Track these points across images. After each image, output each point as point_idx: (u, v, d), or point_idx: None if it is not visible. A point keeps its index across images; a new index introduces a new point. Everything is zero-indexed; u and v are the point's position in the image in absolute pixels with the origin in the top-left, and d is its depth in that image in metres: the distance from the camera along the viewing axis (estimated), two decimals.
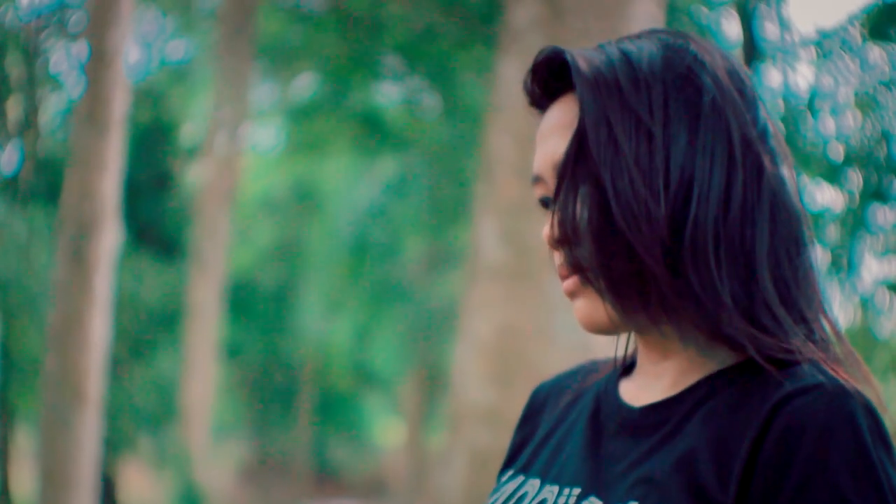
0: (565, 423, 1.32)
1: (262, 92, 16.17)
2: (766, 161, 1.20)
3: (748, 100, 1.22)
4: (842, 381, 1.13)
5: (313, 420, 22.14)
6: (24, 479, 12.74)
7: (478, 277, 4.24)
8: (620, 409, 1.26)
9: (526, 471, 1.31)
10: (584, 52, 1.23)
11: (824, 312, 1.22)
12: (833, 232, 7.04)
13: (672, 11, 7.47)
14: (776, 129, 1.24)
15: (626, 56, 1.21)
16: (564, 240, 1.21)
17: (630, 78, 1.20)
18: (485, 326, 4.18)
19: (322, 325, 20.10)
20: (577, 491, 1.21)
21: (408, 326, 18.60)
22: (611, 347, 1.35)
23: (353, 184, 18.29)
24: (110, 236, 7.12)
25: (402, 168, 16.68)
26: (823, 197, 7.20)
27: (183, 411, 12.34)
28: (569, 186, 1.20)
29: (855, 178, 7.05)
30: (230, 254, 14.27)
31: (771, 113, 1.25)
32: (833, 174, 7.03)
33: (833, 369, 1.15)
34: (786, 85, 7.39)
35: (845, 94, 7.09)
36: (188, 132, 15.53)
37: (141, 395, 12.56)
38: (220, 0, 13.76)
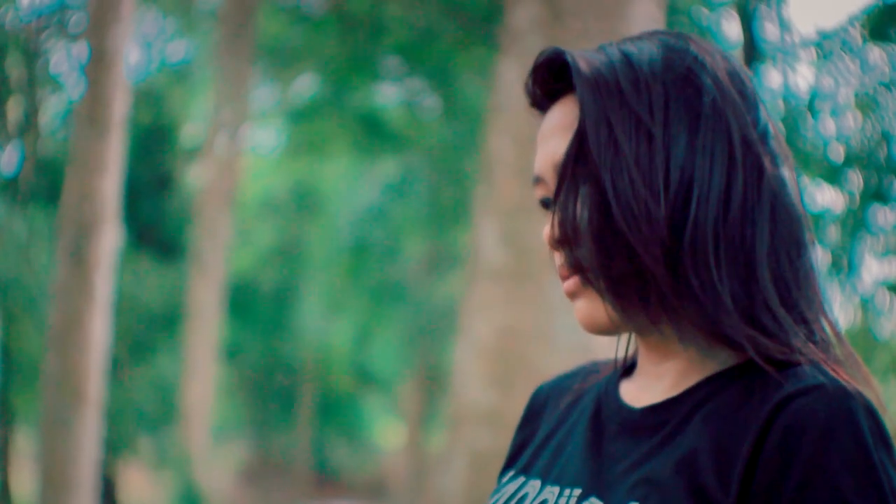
0: (566, 424, 1.32)
1: (263, 93, 16.18)
2: (767, 162, 1.20)
3: (749, 101, 1.22)
4: (842, 382, 1.13)
5: (313, 421, 22.14)
6: (24, 479, 12.73)
7: (478, 278, 4.24)
8: (621, 409, 1.26)
9: (527, 472, 1.31)
10: (584, 54, 1.23)
11: (825, 313, 1.22)
12: (833, 233, 7.04)
13: (672, 12, 7.47)
14: (777, 130, 1.24)
15: (626, 57, 1.22)
16: (565, 240, 1.21)
17: (630, 79, 1.20)
18: (485, 327, 4.18)
19: (322, 326, 20.10)
20: (577, 492, 1.21)
21: (408, 327, 18.60)
22: (611, 348, 1.35)
23: (353, 185, 18.30)
24: (110, 237, 7.12)
25: (402, 169, 16.69)
26: (824, 198, 7.20)
27: (183, 412, 12.34)
28: (569, 187, 1.20)
29: (855, 178, 7.05)
30: (230, 255, 14.27)
31: (771, 114, 1.25)
32: (833, 175, 7.03)
33: (834, 370, 1.15)
34: (786, 86, 7.39)
35: (845, 94, 7.09)
36: (188, 133, 15.53)
37: (141, 395, 12.55)
38: (221, 1, 13.76)
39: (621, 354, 1.34)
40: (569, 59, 1.23)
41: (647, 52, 1.22)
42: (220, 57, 13.36)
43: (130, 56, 7.97)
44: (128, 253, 11.37)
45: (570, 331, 4.00)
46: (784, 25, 7.53)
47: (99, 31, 7.12)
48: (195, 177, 14.62)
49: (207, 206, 12.77)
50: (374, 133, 14.67)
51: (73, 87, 11.58)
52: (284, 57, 14.23)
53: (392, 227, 17.69)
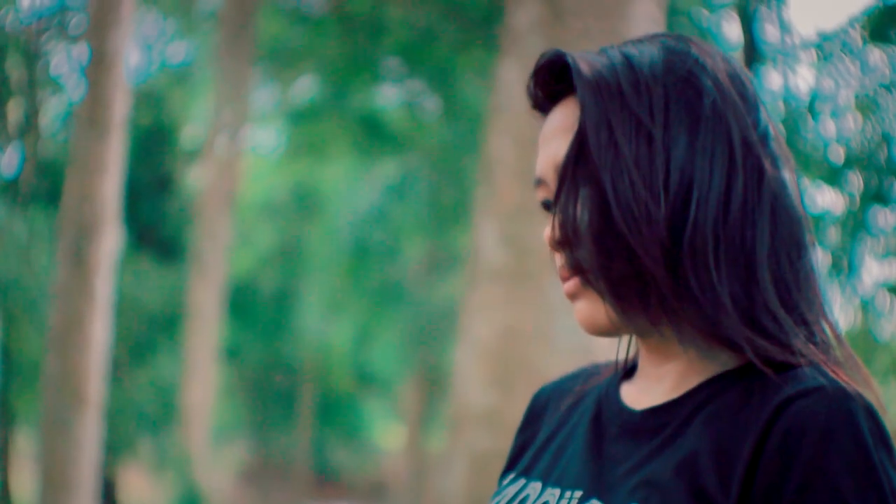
0: (567, 426, 1.32)
1: (263, 94, 16.18)
2: (767, 164, 1.20)
3: (749, 103, 1.22)
4: (843, 384, 1.13)
5: (313, 422, 22.13)
6: (24, 481, 12.73)
7: (478, 280, 4.24)
8: (622, 412, 1.26)
9: (527, 474, 1.31)
10: (585, 56, 1.23)
11: (825, 315, 1.22)
12: (833, 234, 7.03)
13: (672, 13, 7.47)
14: (777, 131, 1.24)
15: (627, 59, 1.22)
16: (565, 241, 1.21)
17: (631, 81, 1.20)
18: (485, 329, 4.18)
19: (322, 327, 20.10)
20: (578, 494, 1.21)
21: (408, 329, 18.60)
22: (612, 350, 1.35)
23: (353, 186, 18.29)
24: (111, 239, 7.13)
25: (402, 170, 16.69)
26: (824, 199, 7.19)
27: (183, 413, 12.34)
28: (569, 188, 1.20)
29: (855, 180, 7.05)
30: (230, 256, 14.27)
31: (772, 116, 1.25)
32: (833, 176, 7.03)
33: (834, 371, 1.15)
34: (786, 87, 7.39)
35: (846, 96, 7.09)
36: (189, 135, 15.53)
37: (141, 397, 12.56)
38: (221, 2, 13.76)
39: (622, 356, 1.34)
40: (570, 60, 1.23)
41: (648, 54, 1.22)
42: (220, 58, 13.36)
43: (131, 57, 7.97)
44: (128, 254, 11.38)
45: (570, 332, 4.00)
46: (784, 27, 7.53)
47: (99, 33, 7.13)
48: (195, 178, 14.62)
49: (208, 208, 12.77)
50: (374, 134, 14.67)
51: (74, 88, 11.60)
52: (285, 58, 14.23)
53: (392, 228, 17.70)
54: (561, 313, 4.03)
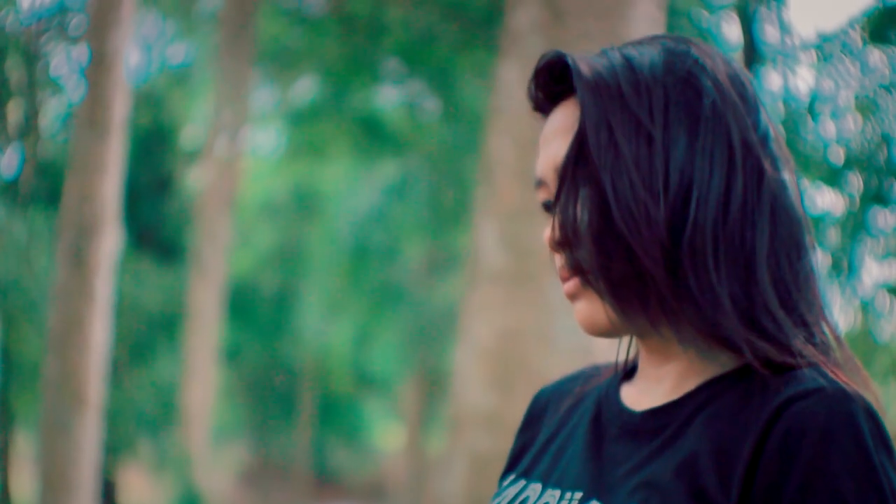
0: (567, 428, 1.32)
1: (263, 95, 16.18)
2: (767, 165, 1.20)
3: (749, 104, 1.22)
4: (843, 385, 1.13)
5: (313, 423, 22.13)
6: (24, 482, 12.74)
7: (478, 281, 4.24)
8: (622, 413, 1.26)
9: (527, 475, 1.31)
10: (586, 57, 1.24)
11: (824, 316, 1.22)
12: (833, 235, 7.03)
13: (672, 14, 7.47)
14: (777, 133, 1.24)
15: (627, 60, 1.22)
16: (565, 242, 1.21)
17: (631, 81, 1.20)
18: (485, 330, 4.18)
19: (322, 328, 20.10)
20: (578, 495, 1.21)
21: (408, 330, 18.60)
22: (612, 351, 1.35)
23: (353, 187, 18.29)
24: (111, 240, 7.13)
25: (402, 171, 16.69)
26: (824, 200, 7.19)
27: (183, 414, 12.34)
28: (569, 189, 1.20)
29: (855, 181, 7.05)
30: (230, 257, 14.27)
31: (772, 117, 1.25)
32: (833, 177, 7.03)
33: (833, 373, 1.15)
34: (786, 88, 7.38)
35: (846, 97, 7.08)
36: (188, 135, 15.54)
37: (141, 398, 12.56)
38: (221, 3, 13.77)
39: (622, 358, 1.34)
40: (570, 61, 1.23)
41: (649, 55, 1.22)
42: (220, 59, 13.37)
43: (131, 58, 7.97)
44: (128, 255, 11.37)
45: (570, 333, 4.00)
46: (784, 28, 7.53)
47: (99, 34, 7.13)
48: (195, 179, 14.62)
49: (207, 209, 12.77)
50: (374, 135, 14.67)
51: (74, 89, 11.59)
52: (284, 59, 14.23)
53: (392, 229, 17.70)
54: (561, 314, 4.03)
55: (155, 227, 13.34)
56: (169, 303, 12.96)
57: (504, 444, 1.50)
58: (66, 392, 6.89)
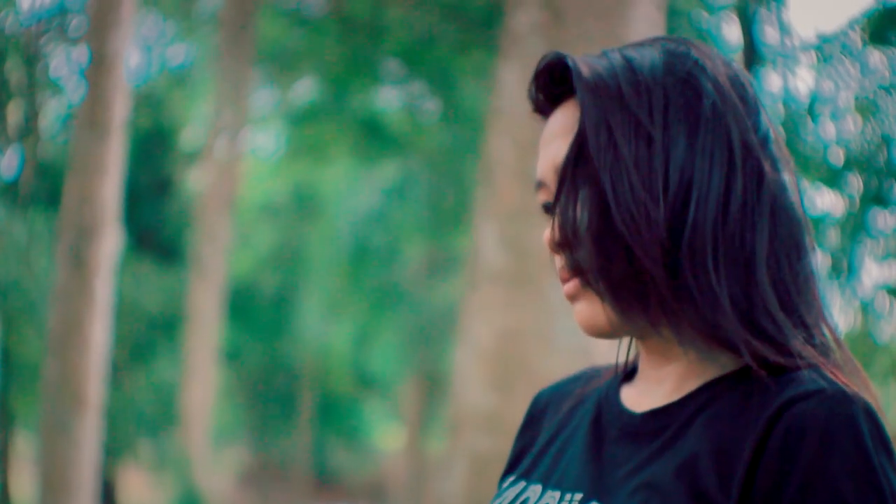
0: (567, 429, 1.32)
1: (263, 96, 16.18)
2: (767, 166, 1.20)
3: (749, 105, 1.22)
4: (842, 386, 1.13)
5: (313, 424, 22.12)
6: (24, 483, 12.73)
7: (478, 282, 4.24)
8: (622, 414, 1.26)
9: (527, 476, 1.31)
10: (586, 58, 1.24)
11: (824, 317, 1.22)
12: (833, 236, 7.03)
13: (672, 15, 7.47)
14: (777, 134, 1.24)
15: (627, 61, 1.22)
16: (565, 243, 1.21)
17: (631, 82, 1.20)
18: (485, 331, 4.18)
19: (322, 329, 20.10)
20: (578, 496, 1.21)
21: (408, 331, 18.60)
22: (612, 352, 1.35)
23: (353, 188, 18.30)
24: (110, 241, 7.13)
25: (402, 172, 16.69)
26: (823, 201, 7.19)
27: (183, 416, 12.34)
28: (569, 189, 1.20)
29: (855, 182, 7.05)
30: (230, 258, 14.27)
31: (772, 118, 1.25)
32: (833, 178, 7.03)
33: (833, 374, 1.15)
34: (786, 89, 7.38)
35: (846, 98, 7.09)
36: (188, 137, 15.54)
37: (141, 399, 12.56)
38: (221, 4, 13.77)
39: (622, 359, 1.34)
40: (570, 63, 1.23)
41: (649, 56, 1.22)
42: (220, 60, 13.37)
43: (130, 59, 7.98)
44: (128, 256, 11.37)
45: (570, 334, 4.00)
46: (784, 29, 7.53)
47: (99, 35, 7.13)
48: (195, 180, 14.63)
49: (207, 210, 12.77)
50: (374, 136, 14.67)
51: (74, 90, 11.60)
52: (284, 60, 14.23)
53: (392, 231, 17.70)
54: (561, 315, 4.03)
55: (155, 228, 13.34)
56: (169, 304, 12.96)
57: (504, 444, 1.50)
58: (66, 393, 6.89)
